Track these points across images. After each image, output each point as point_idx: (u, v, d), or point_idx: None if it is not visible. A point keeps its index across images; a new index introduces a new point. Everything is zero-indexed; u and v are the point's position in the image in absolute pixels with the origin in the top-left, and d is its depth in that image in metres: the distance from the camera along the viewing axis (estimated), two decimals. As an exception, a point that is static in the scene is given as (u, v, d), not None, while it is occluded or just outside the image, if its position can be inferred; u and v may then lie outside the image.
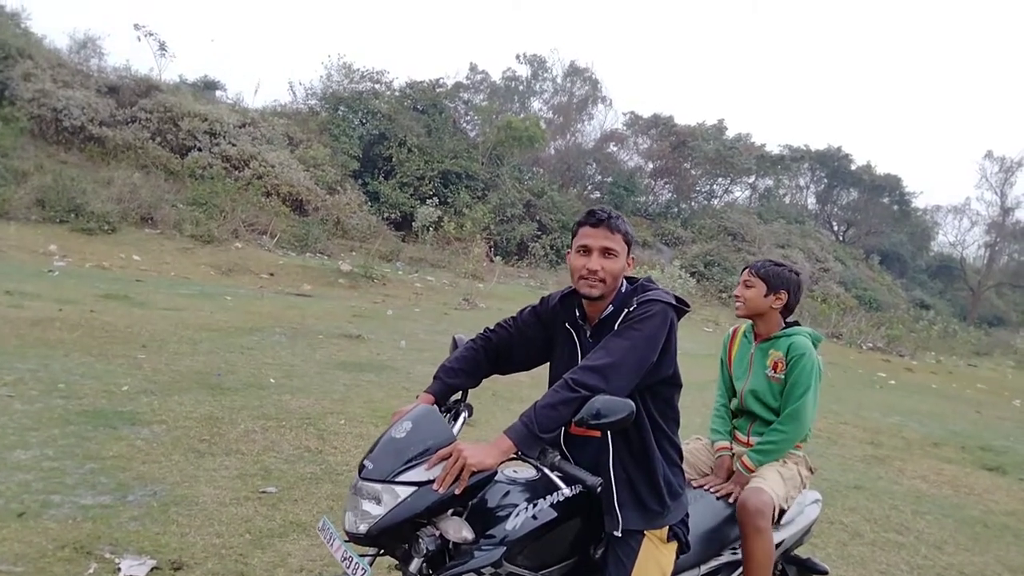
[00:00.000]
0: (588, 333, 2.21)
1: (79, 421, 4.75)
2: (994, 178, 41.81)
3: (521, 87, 35.61)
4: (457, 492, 1.81)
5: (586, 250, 2.13)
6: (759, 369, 2.93)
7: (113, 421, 4.85)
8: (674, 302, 2.12)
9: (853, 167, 40.37)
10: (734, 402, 3.04)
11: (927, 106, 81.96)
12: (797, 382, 2.81)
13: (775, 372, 2.87)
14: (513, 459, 1.94)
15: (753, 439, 2.91)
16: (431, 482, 1.82)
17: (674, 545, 2.17)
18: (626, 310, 2.10)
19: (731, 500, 2.67)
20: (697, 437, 3.11)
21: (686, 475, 2.60)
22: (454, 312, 14.51)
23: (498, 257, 23.47)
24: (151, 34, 24.42)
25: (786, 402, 2.83)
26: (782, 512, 2.71)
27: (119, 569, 2.97)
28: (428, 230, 23.12)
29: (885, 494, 5.75)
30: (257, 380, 6.55)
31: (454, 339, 2.48)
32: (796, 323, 3.00)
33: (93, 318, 8.12)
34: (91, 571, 2.94)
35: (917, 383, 15.25)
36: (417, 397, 2.28)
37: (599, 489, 1.93)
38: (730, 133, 35.45)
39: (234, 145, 21.48)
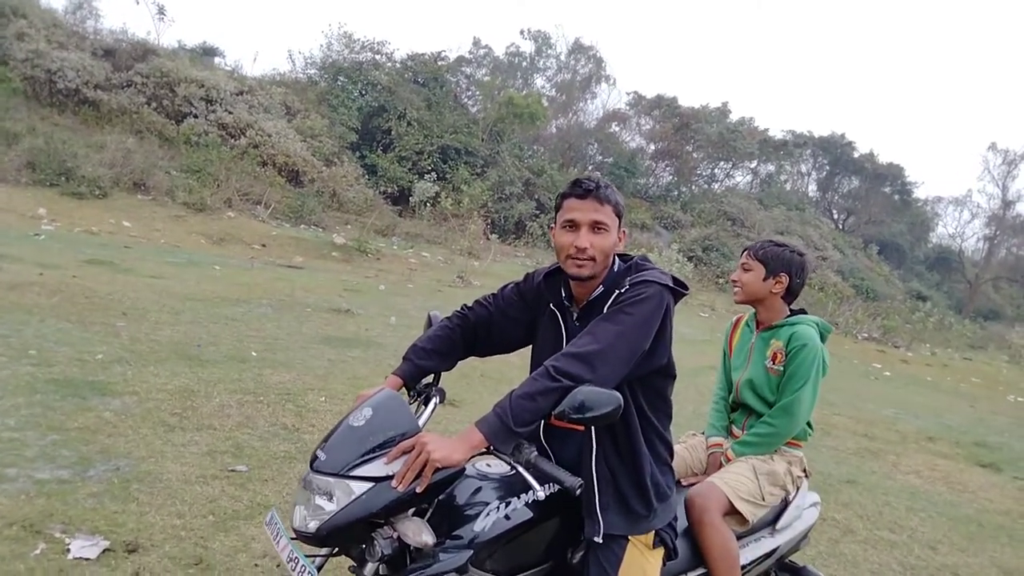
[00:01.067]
0: (575, 316, 2.00)
1: (47, 390, 4.56)
2: (997, 171, 41.66)
3: (524, 63, 35.13)
4: (419, 490, 1.63)
5: (573, 225, 1.91)
6: (758, 359, 2.72)
7: (83, 391, 4.66)
8: (671, 284, 1.90)
9: (856, 155, 40.13)
10: (731, 396, 2.84)
11: (932, 96, 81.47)
12: (795, 374, 2.60)
13: (774, 363, 2.66)
14: (484, 453, 1.76)
15: (743, 433, 2.72)
16: (390, 478, 1.63)
17: (660, 551, 1.99)
18: (617, 291, 1.88)
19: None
20: (692, 433, 2.91)
21: (678, 474, 2.42)
22: (448, 289, 14.31)
23: (495, 235, 23.24)
24: (149, -3, 23.94)
25: (781, 395, 2.63)
26: (776, 517, 2.53)
27: (68, 550, 2.79)
28: (425, 206, 22.86)
29: (879, 489, 5.61)
30: (238, 353, 6.37)
31: (429, 316, 2.28)
32: (802, 311, 2.79)
33: (74, 283, 7.91)
34: (38, 551, 2.76)
35: (912, 375, 15.13)
36: (385, 379, 2.10)
37: (579, 491, 1.72)
38: (733, 117, 35.17)
39: (231, 113, 21.13)
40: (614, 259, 1.99)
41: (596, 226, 1.90)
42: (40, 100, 19.02)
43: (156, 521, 3.16)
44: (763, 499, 2.48)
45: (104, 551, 2.83)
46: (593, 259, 1.90)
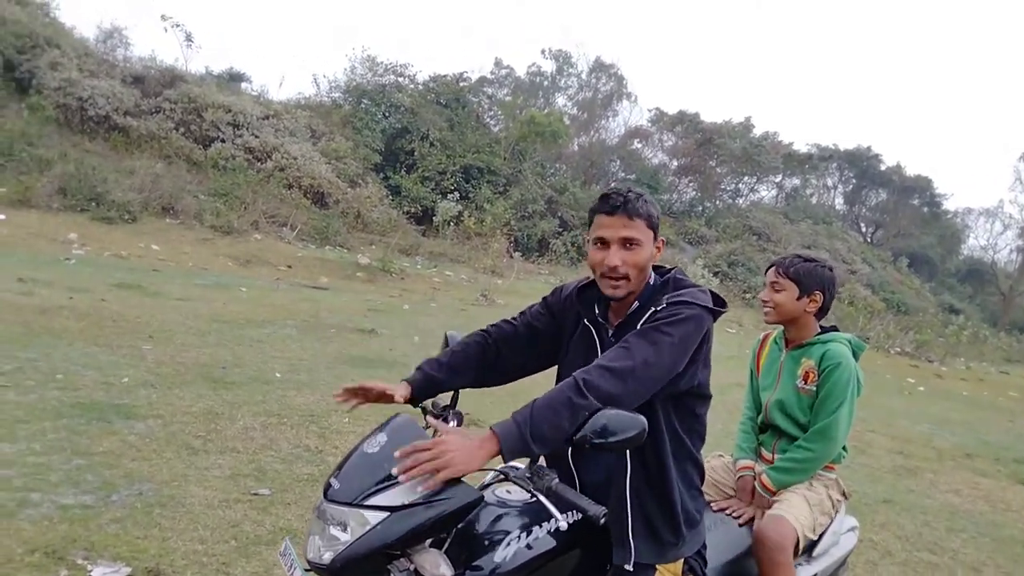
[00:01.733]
0: (611, 332, 1.93)
1: (72, 414, 4.58)
2: (1029, 180, 40.65)
3: (546, 82, 35.26)
4: (421, 489, 1.54)
5: (603, 243, 1.84)
6: (788, 379, 2.62)
7: (108, 414, 4.68)
8: (711, 304, 1.82)
9: (883, 167, 39.57)
10: (760, 417, 2.74)
11: (961, 106, 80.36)
12: (830, 395, 2.49)
13: (806, 383, 2.56)
14: (503, 480, 1.69)
15: (779, 457, 2.62)
16: (406, 507, 1.56)
17: None
18: (653, 309, 1.81)
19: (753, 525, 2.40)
20: (719, 454, 2.79)
21: (707, 497, 2.33)
22: (471, 307, 14.28)
23: (518, 253, 23.21)
24: (177, 25, 24.41)
25: (816, 417, 2.52)
26: (814, 544, 2.43)
27: (90, 577, 2.77)
28: (449, 225, 22.91)
29: (917, 509, 5.43)
30: (263, 374, 6.38)
31: (446, 336, 2.21)
32: (833, 328, 2.69)
33: (103, 307, 8.01)
34: (60, 578, 2.75)
35: (947, 390, 14.76)
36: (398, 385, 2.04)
37: (603, 520, 1.63)
38: (757, 131, 34.83)
39: (257, 137, 21.43)
40: (650, 273, 1.92)
41: (627, 242, 1.83)
42: (72, 127, 19.44)
43: (178, 547, 3.13)
44: (814, 531, 2.39)
45: (125, 578, 2.81)
46: (627, 277, 1.83)
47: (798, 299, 2.59)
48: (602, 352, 1.89)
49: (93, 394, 5.07)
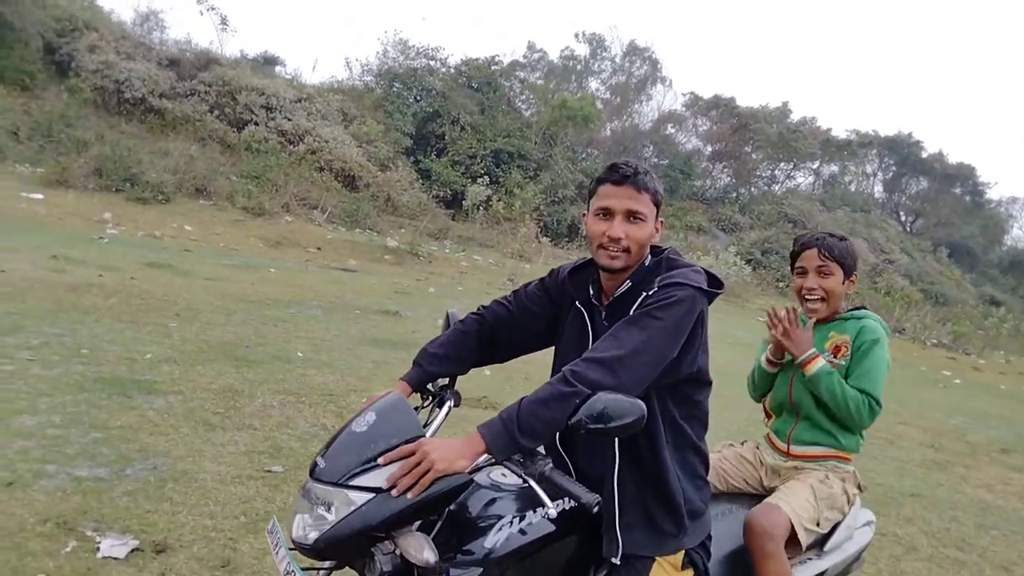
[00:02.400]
0: (603, 315, 1.85)
1: (94, 388, 4.64)
2: (1078, 170, 39.33)
3: (579, 66, 34.93)
4: (410, 496, 1.50)
5: (607, 213, 1.77)
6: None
7: (129, 389, 4.73)
8: (704, 285, 1.73)
9: (924, 155, 38.58)
10: (776, 396, 2.58)
11: (1006, 93, 77.86)
12: (873, 369, 2.35)
13: (835, 357, 2.41)
14: (497, 463, 1.64)
15: (794, 447, 2.48)
16: (392, 488, 1.52)
17: (690, 573, 1.83)
18: (644, 293, 1.73)
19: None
20: (729, 443, 2.69)
21: (712, 488, 2.24)
22: (497, 292, 14.19)
23: (546, 238, 23.11)
24: (213, 8, 24.68)
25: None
26: (826, 538, 2.33)
27: (98, 548, 2.79)
28: (478, 209, 22.89)
29: (946, 504, 5.27)
30: (285, 353, 6.41)
31: (447, 315, 2.15)
32: (863, 307, 2.55)
33: (132, 285, 8.12)
34: (69, 549, 2.77)
35: (984, 383, 14.37)
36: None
37: (596, 508, 1.57)
38: (794, 116, 34.26)
39: (290, 120, 21.61)
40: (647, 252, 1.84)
41: (632, 215, 1.76)
42: (108, 109, 19.78)
43: (187, 521, 3.14)
44: (819, 525, 2.28)
45: (133, 551, 2.82)
46: (628, 250, 1.76)
47: (843, 283, 2.45)
48: (594, 334, 1.83)
49: (116, 369, 5.13)
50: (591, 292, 1.90)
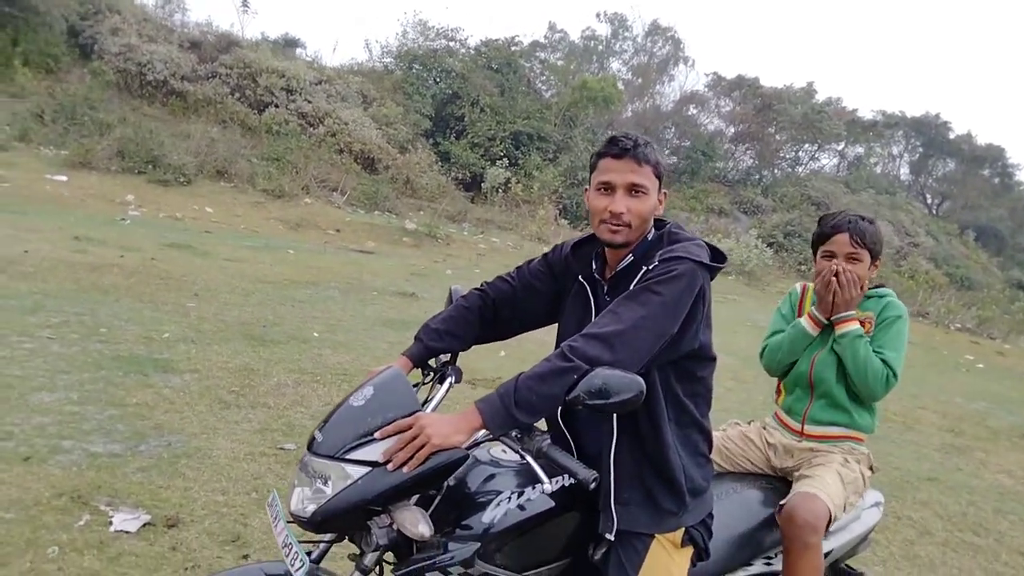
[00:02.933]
0: (605, 289, 1.84)
1: (112, 366, 4.71)
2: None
3: (600, 47, 34.56)
4: (406, 470, 1.50)
5: (608, 187, 1.75)
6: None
7: (146, 367, 4.80)
8: (706, 259, 1.71)
9: (952, 136, 37.79)
10: (794, 373, 2.50)
11: (1042, 72, 75.90)
12: (896, 340, 2.36)
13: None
14: (494, 439, 1.64)
15: (809, 427, 2.44)
16: (389, 462, 1.52)
17: (689, 551, 1.82)
18: (645, 267, 1.71)
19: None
20: (735, 422, 2.66)
21: (716, 467, 2.22)
22: (516, 274, 14.23)
23: (565, 221, 23.01)
24: (233, -11, 24.69)
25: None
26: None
27: (111, 522, 2.85)
28: (497, 191, 22.82)
29: (963, 488, 5.21)
30: (301, 333, 6.46)
31: (451, 291, 2.15)
32: (882, 285, 2.52)
33: (152, 266, 8.21)
34: (82, 522, 2.82)
35: (1008, 368, 14.15)
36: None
37: (593, 484, 1.56)
38: (819, 97, 33.59)
39: (310, 102, 21.61)
40: (649, 226, 1.82)
41: (634, 189, 1.74)
42: (131, 91, 19.92)
43: (199, 497, 3.19)
44: (844, 510, 2.27)
45: (144, 525, 2.87)
46: (629, 225, 1.74)
47: (869, 268, 2.42)
48: (596, 309, 1.82)
49: (134, 348, 5.20)
50: (594, 266, 1.89)
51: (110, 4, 21.31)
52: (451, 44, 26.67)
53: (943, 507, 4.71)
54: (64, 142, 16.64)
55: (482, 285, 2.07)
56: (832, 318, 2.41)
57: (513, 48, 27.73)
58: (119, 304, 6.37)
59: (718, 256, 1.77)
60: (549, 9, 72.69)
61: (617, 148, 1.75)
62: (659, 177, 1.79)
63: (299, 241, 13.92)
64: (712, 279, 1.76)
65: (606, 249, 1.84)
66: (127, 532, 2.80)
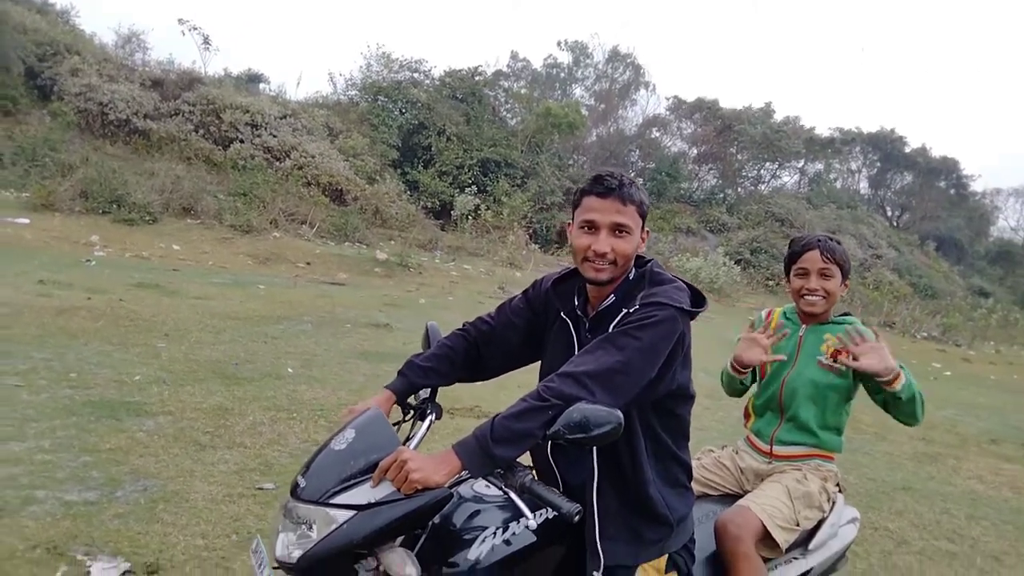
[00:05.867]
0: (587, 326, 1.85)
1: (83, 412, 4.63)
2: (1061, 159, 39.71)
3: (562, 74, 35.15)
4: (401, 491, 1.52)
5: (592, 227, 1.76)
6: (809, 355, 2.49)
7: (118, 412, 4.72)
8: (686, 304, 1.72)
9: (907, 150, 38.88)
10: (763, 396, 2.58)
11: (985, 86, 78.54)
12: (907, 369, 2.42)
13: (834, 361, 2.44)
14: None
15: (777, 447, 2.50)
16: (372, 506, 1.54)
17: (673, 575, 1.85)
18: (625, 310, 1.72)
19: (845, 358, 2.37)
20: (709, 449, 2.71)
21: (696, 493, 2.25)
22: (488, 300, 14.23)
23: (536, 245, 23.15)
24: (195, 28, 24.69)
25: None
26: (809, 536, 2.35)
27: (89, 572, 2.79)
28: (467, 219, 22.91)
29: (936, 496, 5.31)
30: (275, 370, 6.41)
31: (427, 327, 2.18)
32: (848, 313, 2.59)
33: (120, 307, 8.09)
34: (59, 574, 2.76)
35: (974, 374, 14.47)
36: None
37: (576, 517, 1.57)
38: (778, 116, 34.47)
39: (275, 136, 21.58)
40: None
41: (618, 229, 1.76)
42: (93, 131, 19.72)
43: (179, 542, 3.14)
44: (797, 524, 2.30)
45: (124, 573, 2.82)
46: (614, 263, 1.76)
47: (840, 284, 2.49)
48: (579, 345, 1.83)
49: (105, 392, 5.12)
50: (576, 302, 1.90)
51: (69, 45, 21.17)
52: (415, 75, 26.91)
53: (918, 516, 4.79)
54: (25, 184, 16.40)
55: (464, 326, 2.09)
56: (884, 379, 2.37)
57: (477, 77, 28.04)
58: (88, 347, 6.27)
59: (699, 300, 1.79)
60: (511, 38, 73.67)
61: (602, 187, 1.77)
62: (643, 216, 1.81)
63: (269, 275, 13.81)
64: (692, 320, 1.78)
65: (588, 286, 1.86)
66: (106, 582, 2.75)
